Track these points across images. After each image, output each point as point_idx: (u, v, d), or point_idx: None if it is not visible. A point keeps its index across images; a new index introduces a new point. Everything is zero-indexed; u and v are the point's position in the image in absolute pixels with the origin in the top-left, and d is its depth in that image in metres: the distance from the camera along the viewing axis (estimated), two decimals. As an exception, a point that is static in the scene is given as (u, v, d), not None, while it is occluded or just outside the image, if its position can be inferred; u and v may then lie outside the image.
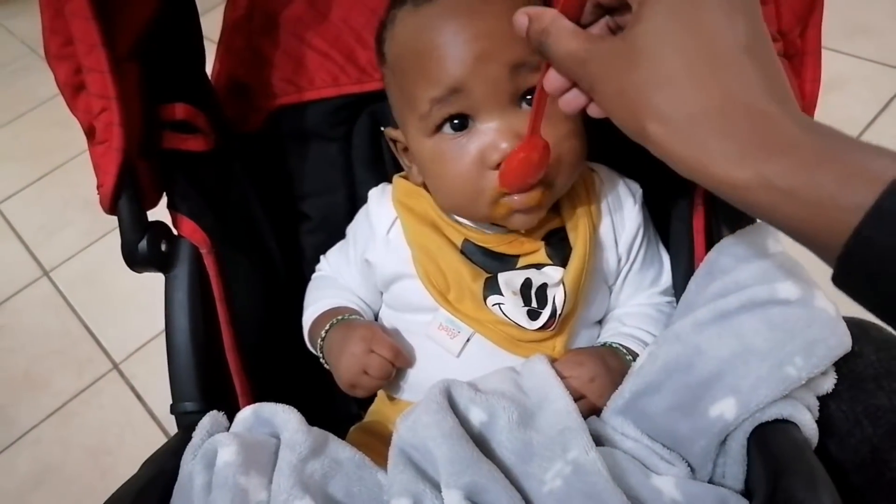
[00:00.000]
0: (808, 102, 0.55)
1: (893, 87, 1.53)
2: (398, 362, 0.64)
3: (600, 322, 0.70)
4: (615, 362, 0.62)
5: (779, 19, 0.53)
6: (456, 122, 0.59)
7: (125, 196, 0.58)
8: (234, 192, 0.71)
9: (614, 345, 0.65)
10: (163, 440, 0.59)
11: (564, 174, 0.61)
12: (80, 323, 1.49)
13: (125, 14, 0.57)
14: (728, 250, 0.56)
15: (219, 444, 0.51)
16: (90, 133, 0.58)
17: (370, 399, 0.73)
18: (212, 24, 0.74)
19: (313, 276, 0.78)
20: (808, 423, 0.49)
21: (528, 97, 0.59)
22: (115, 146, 0.56)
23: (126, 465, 0.57)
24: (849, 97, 1.53)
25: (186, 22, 0.66)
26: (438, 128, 0.60)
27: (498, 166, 0.58)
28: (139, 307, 1.43)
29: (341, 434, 0.69)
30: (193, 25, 0.67)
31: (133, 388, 1.36)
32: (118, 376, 1.38)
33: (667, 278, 0.69)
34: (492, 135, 0.58)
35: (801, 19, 0.53)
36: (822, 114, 1.63)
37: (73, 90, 0.57)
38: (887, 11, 1.69)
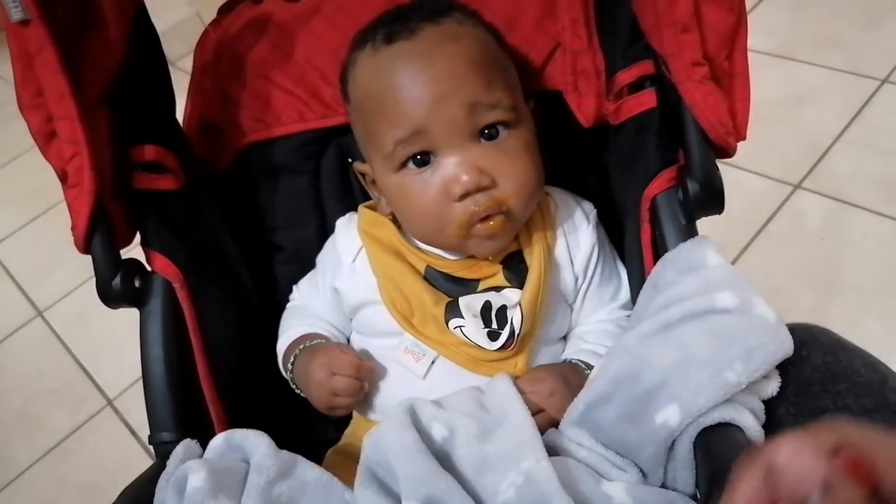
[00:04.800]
0: (740, 121, 0.58)
1: (863, 96, 1.56)
2: (363, 375, 0.67)
3: (564, 338, 0.72)
4: (575, 377, 0.64)
5: (704, 45, 0.55)
6: (419, 158, 0.63)
7: (98, 236, 0.61)
8: (205, 227, 0.74)
9: (574, 360, 0.67)
10: (158, 475, 0.60)
11: (523, 205, 0.64)
12: (74, 361, 1.51)
13: (93, 64, 0.60)
14: (671, 264, 0.58)
15: (189, 471, 0.53)
16: (63, 177, 0.60)
17: (347, 422, 0.75)
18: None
19: (287, 306, 0.80)
20: (751, 425, 0.51)
21: (486, 131, 0.62)
22: (86, 189, 0.59)
23: (121, 502, 0.59)
24: (820, 108, 1.56)
25: (154, 68, 0.69)
26: (403, 164, 0.64)
27: (461, 198, 0.61)
28: (132, 343, 1.43)
29: (320, 457, 0.72)
30: (161, 71, 0.70)
31: (127, 424, 1.37)
32: (112, 413, 1.40)
33: (625, 293, 0.72)
34: (453, 169, 0.62)
35: (725, 44, 0.56)
36: (795, 126, 1.65)
37: (45, 138, 0.59)
38: (856, 22, 1.73)
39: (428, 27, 0.63)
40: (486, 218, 0.62)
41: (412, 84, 0.61)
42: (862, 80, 1.60)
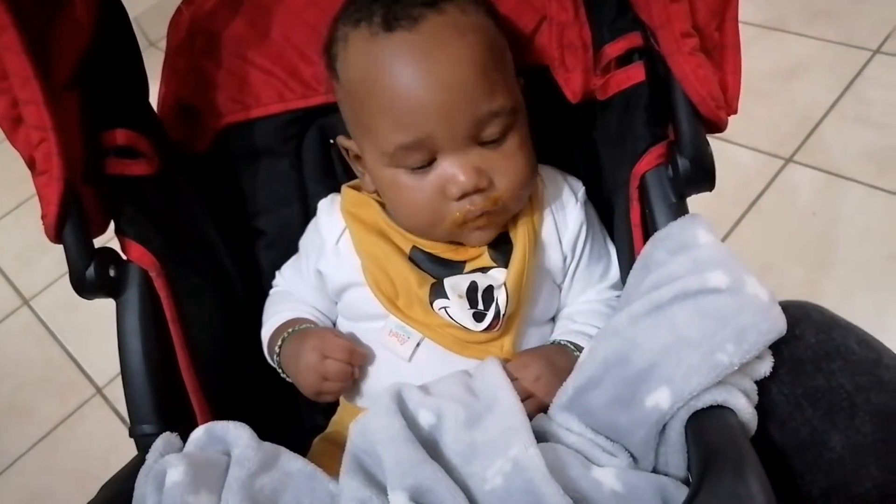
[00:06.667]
0: (731, 95, 0.56)
1: (854, 68, 1.54)
2: (355, 361, 0.66)
3: (553, 320, 0.71)
4: (562, 360, 0.63)
5: (693, 15, 0.54)
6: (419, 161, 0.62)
7: (70, 224, 0.59)
8: (183, 213, 0.72)
9: (562, 342, 0.66)
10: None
11: (517, 199, 0.64)
12: (62, 349, 1.49)
13: (59, 46, 0.58)
14: (661, 243, 0.57)
15: (168, 465, 0.51)
16: (31, 164, 0.58)
17: (336, 409, 0.74)
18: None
19: (270, 291, 0.78)
20: (744, 407, 0.49)
21: (487, 138, 0.61)
22: (55, 175, 0.56)
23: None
24: (811, 81, 1.55)
25: (125, 50, 0.67)
26: (400, 164, 0.62)
27: (459, 198, 0.61)
28: (120, 330, 1.43)
29: (308, 445, 0.71)
30: (132, 52, 0.68)
31: (117, 412, 1.36)
32: (102, 401, 1.39)
33: (615, 273, 0.71)
34: (452, 169, 0.61)
35: (715, 14, 0.54)
36: (786, 99, 1.64)
37: (11, 123, 0.57)
38: (846, -6, 1.71)
39: (431, 16, 0.60)
40: (479, 216, 0.62)
41: (418, 88, 0.59)
42: (853, 52, 1.59)
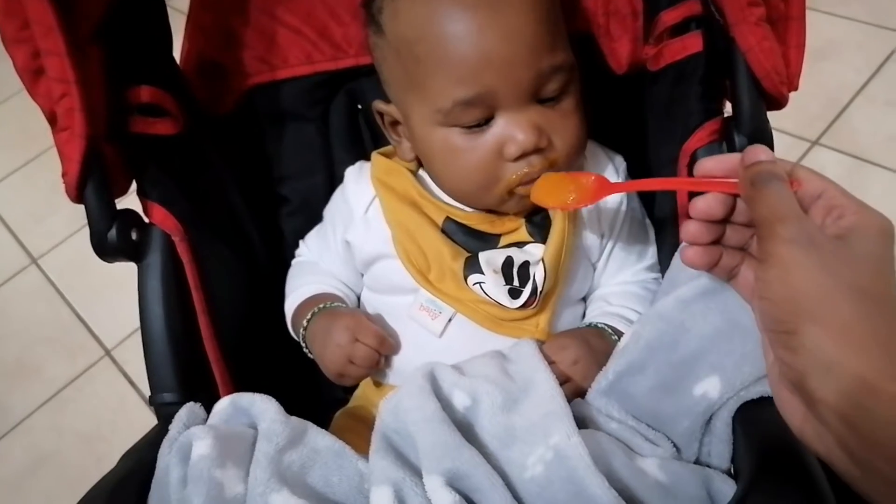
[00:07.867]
0: (793, 70, 0.54)
1: (886, 50, 1.50)
2: (384, 350, 0.64)
3: (584, 300, 0.69)
4: (599, 343, 0.61)
5: (761, -17, 0.51)
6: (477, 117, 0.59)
7: (91, 184, 0.56)
8: (207, 176, 0.69)
9: (599, 325, 0.64)
10: (156, 426, 0.58)
11: (571, 164, 0.61)
12: (71, 310, 1.48)
13: None
14: (712, 225, 0.54)
15: (194, 438, 0.50)
16: (52, 119, 0.56)
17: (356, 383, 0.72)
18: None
19: (294, 261, 0.76)
20: (794, 399, 0.48)
21: (546, 94, 0.59)
22: (77, 132, 0.54)
23: (120, 451, 0.57)
24: (841, 61, 1.51)
25: (150, 3, 0.64)
26: (456, 122, 0.59)
27: (516, 159, 0.58)
28: (130, 293, 1.40)
29: (327, 419, 0.69)
30: (157, 6, 0.65)
31: (126, 374, 1.35)
32: (110, 363, 1.38)
33: (652, 254, 0.68)
34: (510, 127, 0.58)
35: (783, -18, 0.51)
36: (815, 79, 1.59)
37: (32, 75, 0.54)
38: (880, -27, 1.66)
39: None
40: (535, 179, 0.59)
41: (481, 40, 0.56)
42: (885, 33, 1.55)
